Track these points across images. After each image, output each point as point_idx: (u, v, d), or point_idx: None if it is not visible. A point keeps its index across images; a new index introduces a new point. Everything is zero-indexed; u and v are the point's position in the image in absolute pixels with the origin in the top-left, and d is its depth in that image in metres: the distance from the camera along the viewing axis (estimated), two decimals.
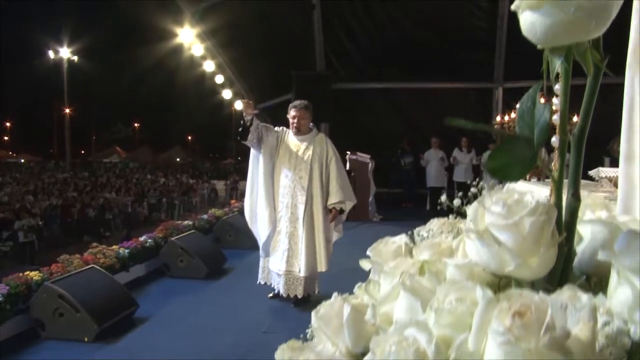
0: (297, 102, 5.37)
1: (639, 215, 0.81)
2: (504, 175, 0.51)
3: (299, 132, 5.29)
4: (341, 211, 5.33)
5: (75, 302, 4.55)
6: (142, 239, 6.75)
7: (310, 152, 5.24)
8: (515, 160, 0.52)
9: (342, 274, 5.94)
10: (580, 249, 0.62)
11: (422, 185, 12.81)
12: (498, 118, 10.72)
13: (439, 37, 12.19)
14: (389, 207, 12.56)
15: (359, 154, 11.20)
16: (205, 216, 8.82)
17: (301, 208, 5.17)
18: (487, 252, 0.53)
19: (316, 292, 5.39)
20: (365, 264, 0.80)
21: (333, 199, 5.23)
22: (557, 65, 0.51)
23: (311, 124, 5.42)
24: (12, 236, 11.37)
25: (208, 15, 11.47)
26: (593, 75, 0.52)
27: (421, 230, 0.83)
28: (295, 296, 5.26)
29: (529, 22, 0.51)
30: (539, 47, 0.51)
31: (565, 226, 0.56)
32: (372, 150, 11.66)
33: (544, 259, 0.53)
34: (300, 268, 5.15)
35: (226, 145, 51.46)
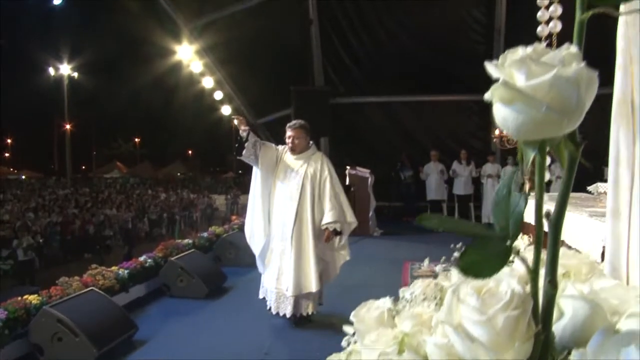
0: (292, 122, 5.39)
1: (625, 273, 0.80)
2: (476, 273, 0.50)
3: (294, 151, 5.29)
4: (335, 232, 5.20)
5: (74, 326, 4.52)
6: (141, 258, 6.72)
7: (304, 170, 5.24)
8: (488, 256, 0.51)
9: (344, 291, 5.94)
10: (561, 324, 0.61)
11: (422, 199, 12.81)
12: (497, 131, 10.72)
13: (437, 50, 12.23)
14: (390, 221, 12.53)
15: (358, 168, 11.20)
16: (205, 234, 8.80)
17: (290, 226, 5.14)
18: (462, 345, 0.53)
19: (310, 312, 5.24)
20: (348, 329, 0.79)
21: (326, 219, 5.15)
22: (531, 156, 0.51)
23: (311, 142, 5.42)
24: (12, 254, 11.35)
25: (206, 32, 11.54)
26: (568, 167, 0.51)
27: (405, 292, 0.82)
28: (301, 315, 5.20)
29: (501, 116, 0.50)
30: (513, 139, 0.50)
31: (542, 315, 0.55)
32: (371, 164, 11.67)
33: (519, 352, 0.52)
34: (288, 287, 5.11)
35: (226, 159, 51.51)
